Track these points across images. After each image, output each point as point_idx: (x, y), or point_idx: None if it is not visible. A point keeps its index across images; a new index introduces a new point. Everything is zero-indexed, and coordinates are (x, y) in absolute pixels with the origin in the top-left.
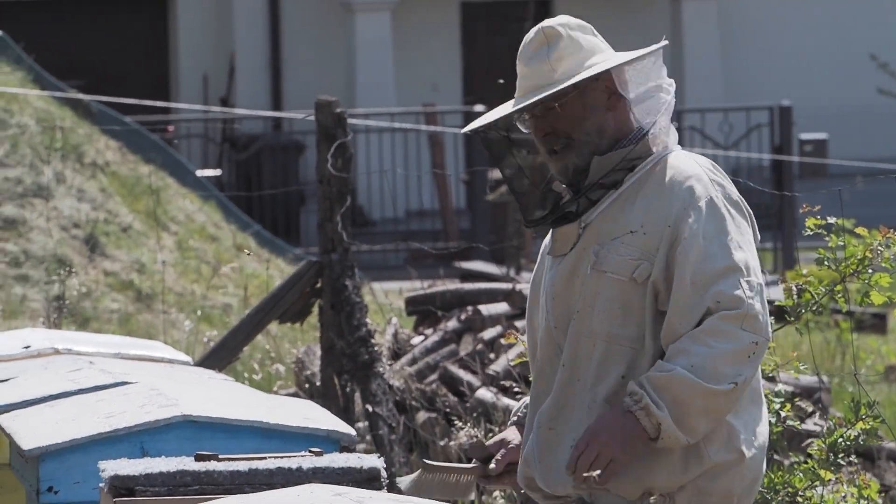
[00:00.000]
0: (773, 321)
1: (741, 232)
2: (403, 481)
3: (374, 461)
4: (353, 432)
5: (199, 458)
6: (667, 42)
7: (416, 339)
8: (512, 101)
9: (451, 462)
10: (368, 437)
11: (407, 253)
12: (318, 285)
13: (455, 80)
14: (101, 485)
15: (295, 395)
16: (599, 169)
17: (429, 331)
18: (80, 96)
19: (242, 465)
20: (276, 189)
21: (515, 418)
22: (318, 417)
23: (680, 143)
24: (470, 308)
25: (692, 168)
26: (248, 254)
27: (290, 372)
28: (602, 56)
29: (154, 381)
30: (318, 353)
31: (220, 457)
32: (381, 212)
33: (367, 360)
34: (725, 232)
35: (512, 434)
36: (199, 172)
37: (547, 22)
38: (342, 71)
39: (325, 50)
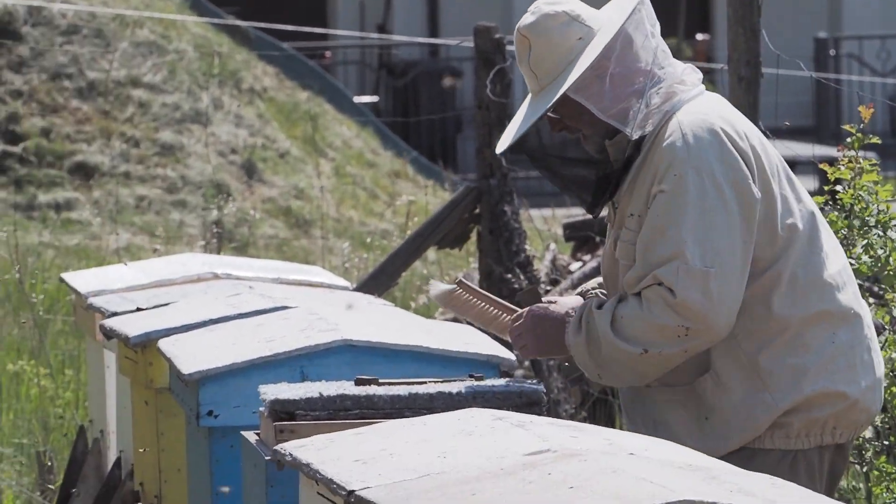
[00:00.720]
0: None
1: (704, 211)
2: (436, 286)
3: (535, 386)
4: (514, 357)
5: (358, 383)
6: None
7: (574, 266)
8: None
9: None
10: (527, 363)
11: None
12: (477, 211)
13: None
14: (260, 409)
15: (454, 320)
16: (615, 153)
17: (587, 257)
18: (238, 22)
19: (402, 390)
20: (433, 115)
21: (580, 289)
22: (478, 342)
23: (837, 69)
24: None
25: (677, 137)
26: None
27: None
28: (581, 44)
29: (314, 306)
30: (477, 278)
31: (380, 381)
32: None
33: (523, 286)
34: (683, 213)
35: (570, 300)
36: (357, 99)
37: (522, 20)
38: None
39: None
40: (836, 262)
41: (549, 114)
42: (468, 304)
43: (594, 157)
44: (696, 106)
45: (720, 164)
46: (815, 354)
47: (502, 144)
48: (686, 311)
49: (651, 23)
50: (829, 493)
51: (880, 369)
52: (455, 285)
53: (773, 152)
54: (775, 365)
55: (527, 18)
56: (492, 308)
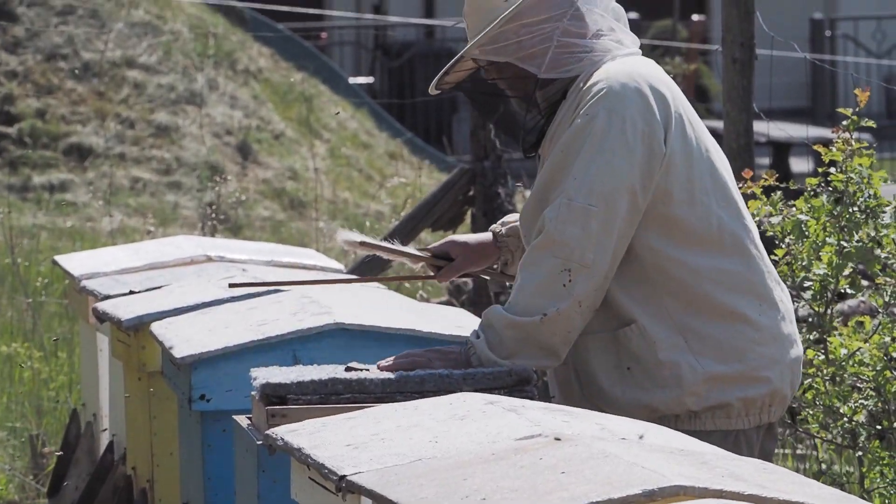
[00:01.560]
0: None
1: (602, 151)
2: (342, 234)
3: (523, 364)
4: None
5: (349, 370)
6: None
7: None
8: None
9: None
10: None
11: None
12: (471, 193)
13: None
14: (252, 392)
15: (447, 303)
16: (542, 99)
17: None
18: (234, 3)
19: (394, 374)
20: (429, 96)
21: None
22: (470, 325)
23: (832, 51)
24: None
25: (601, 80)
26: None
27: None
28: (505, 6)
29: (306, 289)
30: None
31: (371, 366)
32: None
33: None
34: (580, 150)
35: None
36: (352, 80)
37: None
38: None
39: None
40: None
41: (481, 70)
42: (374, 251)
43: (527, 97)
44: (629, 61)
45: (635, 113)
46: (741, 325)
47: (431, 86)
48: (563, 248)
49: None
50: None
51: (799, 342)
52: (359, 243)
53: (699, 126)
54: (700, 330)
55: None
56: (398, 258)
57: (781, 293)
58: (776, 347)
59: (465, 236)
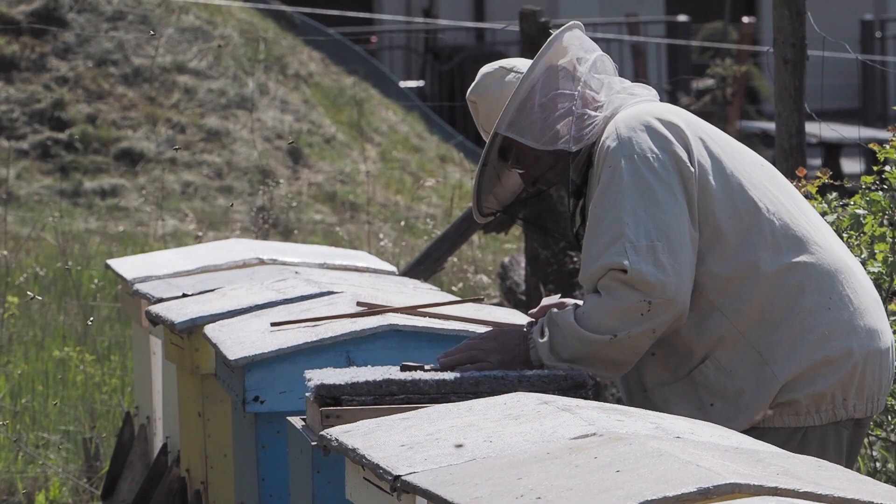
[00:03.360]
0: None
1: (640, 192)
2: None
3: (581, 369)
4: None
5: (404, 370)
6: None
7: None
8: None
9: None
10: None
11: None
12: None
13: None
14: (307, 394)
15: (499, 304)
16: (573, 172)
17: None
18: (284, 8)
19: (449, 375)
20: None
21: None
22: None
23: (883, 51)
24: None
25: (611, 134)
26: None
27: (494, 282)
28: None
29: (360, 291)
30: (523, 262)
31: (426, 367)
32: None
33: (572, 269)
34: (619, 199)
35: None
36: (402, 83)
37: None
38: None
39: None
40: (812, 219)
41: (513, 169)
42: None
43: (562, 181)
44: (635, 108)
45: (653, 146)
46: (811, 321)
47: (475, 214)
48: (643, 285)
49: (583, 48)
50: None
51: (887, 336)
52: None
53: (727, 143)
54: (772, 337)
55: (477, 79)
56: None
57: (855, 284)
58: (848, 340)
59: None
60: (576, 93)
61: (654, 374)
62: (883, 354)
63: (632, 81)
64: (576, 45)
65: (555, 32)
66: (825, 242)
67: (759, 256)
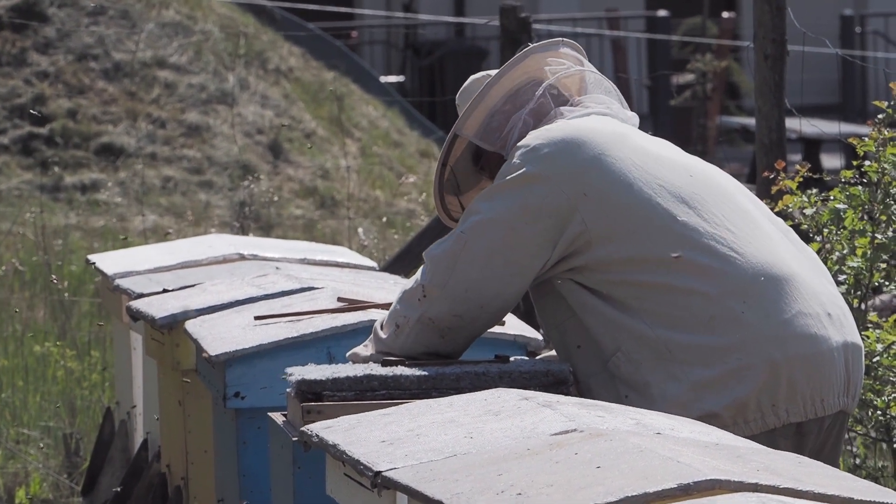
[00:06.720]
0: None
1: (493, 189)
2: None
3: (562, 365)
4: (540, 337)
5: (385, 364)
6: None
7: None
8: None
9: None
10: None
11: None
12: None
13: None
14: (287, 390)
15: None
16: None
17: None
18: (264, 2)
19: (430, 370)
20: None
21: None
22: (506, 323)
23: (862, 47)
24: None
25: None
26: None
27: None
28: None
29: (340, 287)
30: None
31: (407, 362)
32: None
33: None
34: (466, 216)
35: None
36: (383, 79)
37: None
38: None
39: None
40: (743, 228)
41: (481, 174)
42: None
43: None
44: (556, 123)
45: (538, 166)
46: (722, 327)
47: (441, 216)
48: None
49: (561, 63)
50: None
51: (832, 340)
52: None
53: (650, 158)
54: (681, 337)
55: (461, 89)
56: None
57: (791, 290)
58: (766, 346)
59: None
60: (533, 104)
61: (583, 366)
62: (819, 357)
63: (612, 77)
64: (544, 59)
65: (537, 43)
66: (755, 248)
67: (667, 270)
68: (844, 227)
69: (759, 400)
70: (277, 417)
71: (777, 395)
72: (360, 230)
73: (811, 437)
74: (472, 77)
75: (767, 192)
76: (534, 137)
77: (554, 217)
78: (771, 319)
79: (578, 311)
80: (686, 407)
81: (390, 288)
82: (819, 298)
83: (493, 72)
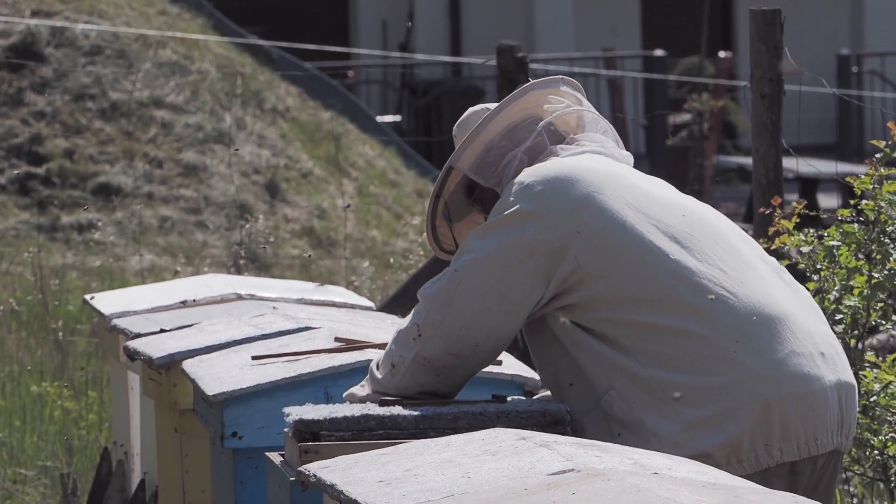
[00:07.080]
0: None
1: (486, 228)
2: None
3: (559, 405)
4: (537, 377)
5: (382, 404)
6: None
7: None
8: None
9: None
10: None
11: None
12: None
13: (634, 24)
14: (285, 430)
15: None
16: None
17: None
18: (261, 42)
19: (427, 410)
20: None
21: None
22: (502, 362)
23: (859, 86)
24: None
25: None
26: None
27: None
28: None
29: (338, 327)
30: None
31: (405, 402)
32: None
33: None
34: (459, 255)
35: None
36: (379, 118)
37: None
38: (521, 15)
39: None
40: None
41: (475, 207)
42: None
43: None
44: (555, 160)
45: (531, 204)
46: (713, 366)
47: (434, 249)
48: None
49: (558, 100)
50: None
51: (826, 379)
52: None
53: (642, 198)
54: (673, 376)
55: (459, 120)
56: None
57: (783, 330)
58: (758, 385)
59: None
60: (529, 143)
61: (575, 404)
62: (813, 396)
63: (608, 116)
64: (542, 97)
65: (537, 80)
66: (747, 288)
67: (660, 309)
68: (840, 266)
69: (752, 439)
70: (275, 457)
71: (770, 435)
72: (364, 265)
73: (805, 476)
74: (471, 109)
75: (764, 231)
76: (527, 175)
77: (547, 255)
78: (764, 359)
79: (571, 349)
80: (679, 446)
81: (387, 328)
82: (812, 338)
83: (493, 105)
